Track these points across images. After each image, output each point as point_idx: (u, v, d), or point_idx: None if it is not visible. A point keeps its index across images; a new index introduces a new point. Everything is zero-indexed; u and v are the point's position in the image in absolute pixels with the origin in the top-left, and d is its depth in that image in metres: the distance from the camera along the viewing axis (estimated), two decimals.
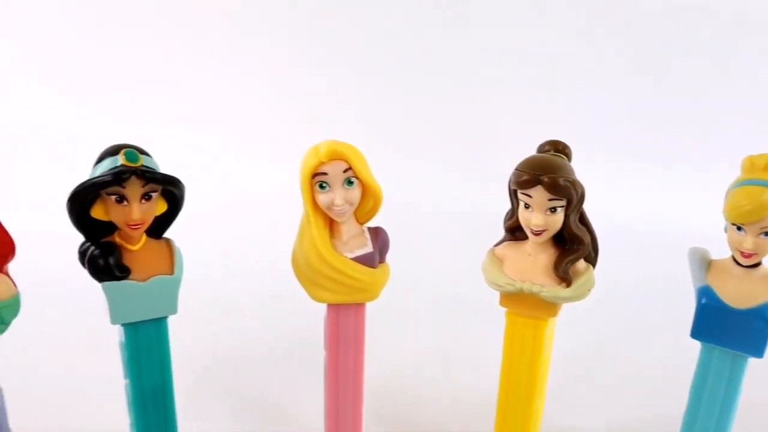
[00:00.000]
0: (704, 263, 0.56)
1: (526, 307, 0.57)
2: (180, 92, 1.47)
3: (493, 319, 0.93)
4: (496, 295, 0.59)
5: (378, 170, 0.58)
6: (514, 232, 0.59)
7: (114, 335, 0.67)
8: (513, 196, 0.57)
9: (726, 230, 0.53)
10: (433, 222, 1.23)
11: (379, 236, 0.60)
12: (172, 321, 0.58)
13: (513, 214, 0.58)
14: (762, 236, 0.51)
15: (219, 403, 0.76)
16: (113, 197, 0.51)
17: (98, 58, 1.46)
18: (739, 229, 0.51)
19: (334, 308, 0.59)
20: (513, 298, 0.57)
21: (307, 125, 1.40)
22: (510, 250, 0.59)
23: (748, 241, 0.51)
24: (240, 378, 0.81)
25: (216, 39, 1.48)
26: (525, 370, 0.59)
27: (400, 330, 0.82)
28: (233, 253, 1.02)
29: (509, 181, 0.57)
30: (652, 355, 0.88)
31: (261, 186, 1.28)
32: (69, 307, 0.88)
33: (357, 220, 0.59)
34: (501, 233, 0.61)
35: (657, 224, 1.30)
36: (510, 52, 1.48)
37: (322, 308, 0.62)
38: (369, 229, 0.60)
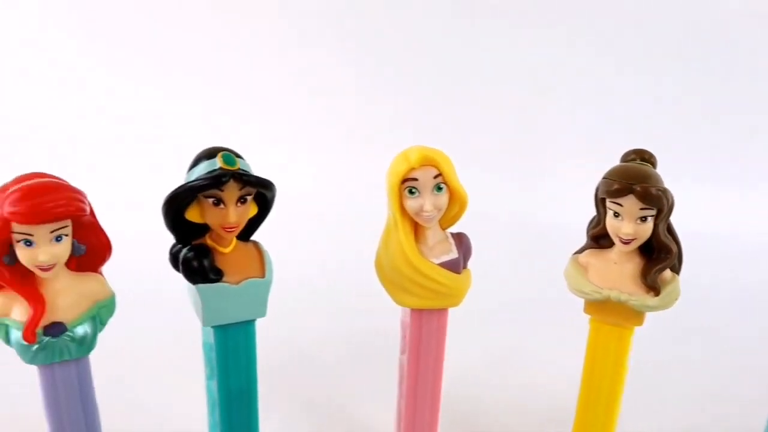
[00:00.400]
0: None
1: (611, 315, 0.58)
2: (242, 92, 1.48)
3: (558, 323, 0.94)
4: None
5: None
6: (599, 240, 0.59)
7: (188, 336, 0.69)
8: (600, 204, 0.57)
9: None
10: (492, 226, 1.23)
11: (462, 242, 0.60)
12: None
13: (599, 222, 0.58)
14: None
15: (287, 404, 0.77)
16: (210, 200, 0.51)
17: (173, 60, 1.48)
18: None
19: (418, 313, 0.59)
20: (599, 306, 0.58)
21: (372, 129, 1.43)
22: (594, 257, 0.59)
23: None
24: (306, 380, 0.82)
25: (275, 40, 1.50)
26: (608, 378, 0.59)
27: (466, 333, 0.83)
28: (302, 255, 1.02)
29: (597, 190, 0.57)
30: (723, 361, 0.88)
31: (331, 187, 1.29)
32: (149, 308, 0.88)
33: (440, 225, 0.60)
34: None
35: (727, 229, 1.30)
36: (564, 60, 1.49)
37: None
38: (452, 234, 0.60)
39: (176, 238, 0.55)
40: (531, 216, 1.30)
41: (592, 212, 0.60)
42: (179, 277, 0.55)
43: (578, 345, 0.67)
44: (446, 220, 0.60)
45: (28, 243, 0.46)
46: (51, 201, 0.45)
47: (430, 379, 0.62)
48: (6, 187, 0.47)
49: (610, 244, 0.58)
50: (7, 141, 1.37)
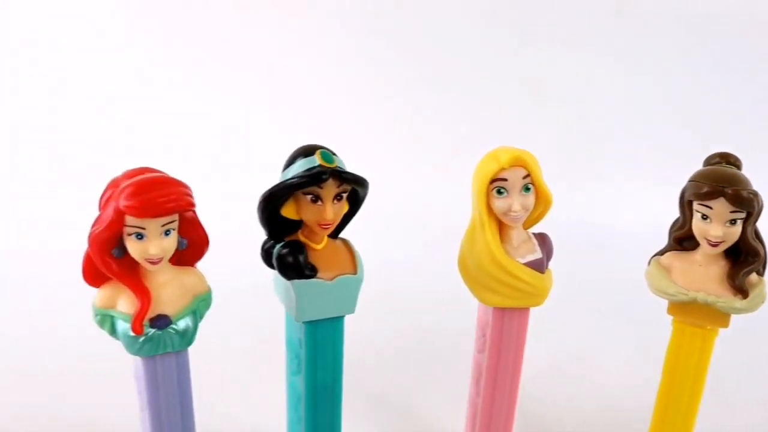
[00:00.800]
0: None
1: (696, 316, 0.58)
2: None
3: (629, 323, 0.94)
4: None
5: None
6: (682, 242, 0.60)
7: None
8: (686, 207, 0.58)
9: None
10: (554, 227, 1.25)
11: (545, 242, 0.61)
12: None
13: (684, 224, 0.59)
14: None
15: (362, 402, 0.78)
16: (309, 197, 0.52)
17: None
18: None
19: (501, 312, 0.60)
20: (683, 308, 0.58)
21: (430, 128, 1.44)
22: (677, 259, 0.60)
23: None
24: (377, 377, 0.83)
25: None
26: (690, 378, 0.59)
27: (538, 333, 0.84)
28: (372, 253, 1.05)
29: (683, 192, 0.58)
30: None
31: (402, 188, 1.31)
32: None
33: (522, 225, 0.60)
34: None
35: None
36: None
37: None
38: (534, 234, 0.61)
39: (269, 235, 0.56)
40: (588, 218, 1.31)
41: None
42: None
43: (649, 345, 0.68)
44: (529, 221, 0.60)
45: (140, 236, 0.47)
46: (164, 196, 0.46)
47: (509, 377, 0.63)
48: (117, 181, 0.48)
49: (694, 246, 0.59)
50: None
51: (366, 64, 1.48)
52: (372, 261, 0.59)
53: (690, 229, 0.58)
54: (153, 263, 0.48)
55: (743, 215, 0.55)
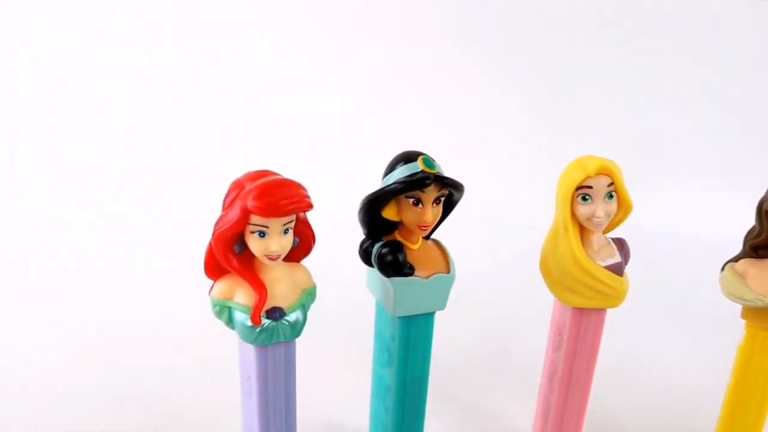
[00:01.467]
0: None
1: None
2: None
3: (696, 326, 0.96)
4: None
5: None
6: (758, 250, 0.63)
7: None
8: (765, 216, 0.61)
9: None
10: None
11: (624, 246, 0.64)
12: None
13: (760, 233, 0.62)
14: None
15: (441, 397, 0.80)
16: (411, 200, 0.56)
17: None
18: None
19: (579, 312, 0.64)
20: (758, 313, 0.61)
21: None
22: (753, 266, 0.63)
23: None
24: (452, 377, 0.86)
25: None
26: (761, 383, 0.63)
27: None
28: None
29: (761, 202, 0.61)
30: None
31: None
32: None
33: (603, 230, 0.64)
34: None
35: None
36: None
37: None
38: (613, 239, 0.65)
39: (368, 234, 0.60)
40: (654, 223, 1.34)
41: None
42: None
43: (714, 349, 0.72)
44: (609, 226, 0.64)
45: (262, 234, 0.51)
46: (287, 197, 0.50)
47: (583, 374, 0.66)
48: (241, 183, 0.52)
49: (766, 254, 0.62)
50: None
51: (455, 63, 1.52)
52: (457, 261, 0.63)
53: (767, 238, 0.61)
54: (272, 259, 0.52)
55: None
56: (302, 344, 0.59)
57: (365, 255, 0.60)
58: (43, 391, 0.78)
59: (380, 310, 0.63)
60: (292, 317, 0.55)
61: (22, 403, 0.76)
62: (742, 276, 0.63)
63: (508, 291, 1.03)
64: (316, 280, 0.58)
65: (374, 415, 0.68)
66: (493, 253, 1.10)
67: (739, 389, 0.64)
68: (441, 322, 0.64)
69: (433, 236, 0.63)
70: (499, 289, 1.06)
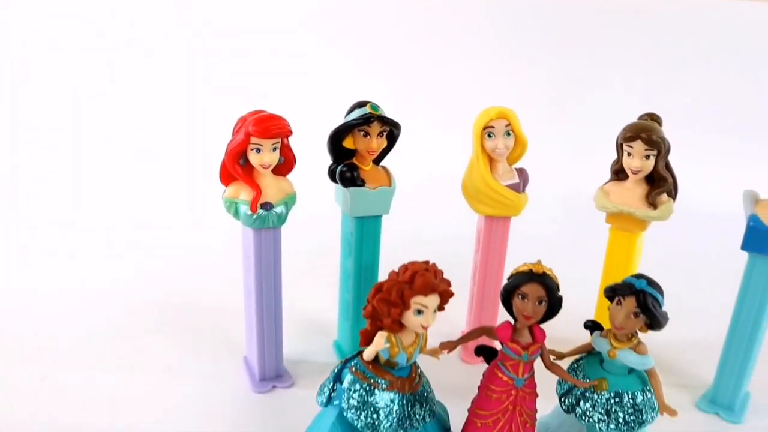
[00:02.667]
0: (753, 200, 0.83)
1: (624, 223, 0.86)
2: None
3: None
4: None
5: None
6: (618, 174, 0.87)
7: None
8: (619, 148, 0.85)
9: None
10: None
11: (523, 174, 0.89)
12: None
13: (618, 161, 0.86)
14: None
15: None
16: (362, 133, 0.82)
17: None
18: None
19: (490, 220, 0.89)
20: (616, 217, 0.86)
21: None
22: (614, 186, 0.87)
23: None
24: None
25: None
26: (622, 269, 0.87)
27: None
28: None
29: (617, 138, 0.85)
30: None
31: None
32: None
33: (507, 161, 0.89)
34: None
35: None
36: None
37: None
38: (516, 168, 0.90)
39: (333, 160, 0.86)
40: None
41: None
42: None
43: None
44: (512, 159, 0.89)
45: (258, 150, 0.77)
46: (275, 125, 0.77)
47: (495, 270, 0.91)
48: (244, 117, 0.79)
49: (626, 177, 0.86)
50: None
51: None
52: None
53: (622, 164, 0.85)
54: (264, 167, 0.78)
55: (655, 152, 0.82)
56: (289, 249, 0.86)
57: (332, 174, 0.86)
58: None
59: (344, 216, 0.89)
60: (278, 210, 0.81)
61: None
62: (606, 193, 0.87)
63: (448, 212, 1.22)
64: (304, 199, 0.85)
65: (341, 298, 0.94)
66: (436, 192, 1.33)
67: (607, 276, 0.88)
68: (388, 225, 0.89)
69: (382, 163, 0.89)
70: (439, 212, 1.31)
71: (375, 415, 0.65)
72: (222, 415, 0.83)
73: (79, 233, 1.37)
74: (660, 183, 0.83)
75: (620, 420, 0.66)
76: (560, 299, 0.65)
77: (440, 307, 0.66)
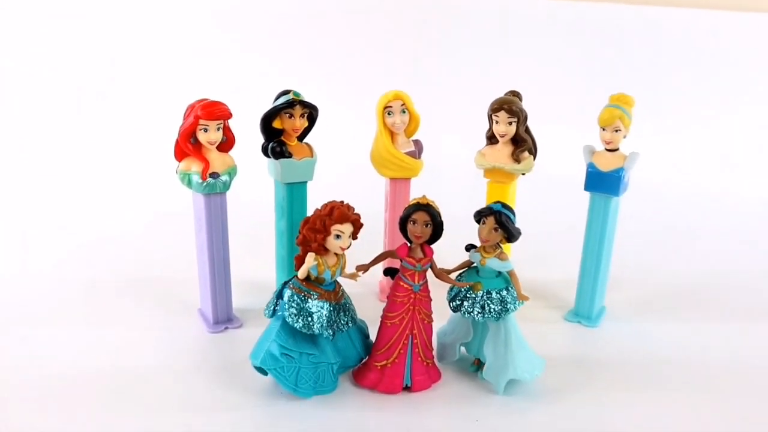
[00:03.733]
0: (591, 152, 1.09)
1: (497, 176, 1.11)
2: None
3: None
4: None
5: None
6: (491, 139, 1.12)
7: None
8: (489, 118, 1.10)
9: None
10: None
11: (418, 144, 1.13)
12: None
13: (490, 129, 1.11)
14: (614, 133, 1.04)
15: None
16: (287, 115, 1.04)
17: None
18: (603, 129, 1.05)
19: (393, 182, 1.12)
20: (491, 172, 1.11)
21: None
22: (488, 149, 1.12)
23: (606, 135, 1.04)
24: None
25: None
26: None
27: None
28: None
29: (487, 110, 1.10)
30: None
31: None
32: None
33: (406, 134, 1.13)
34: None
35: None
36: None
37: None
38: (413, 140, 1.13)
39: (265, 138, 1.07)
40: None
41: None
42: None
43: None
44: (408, 132, 1.13)
45: (205, 130, 0.98)
46: (218, 109, 0.97)
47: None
48: (192, 105, 0.99)
49: (496, 141, 1.11)
50: None
51: None
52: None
53: (493, 131, 1.10)
54: (211, 144, 0.99)
55: (516, 120, 1.07)
56: (233, 214, 1.06)
57: (264, 150, 1.07)
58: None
59: (277, 184, 1.10)
60: (223, 178, 1.01)
61: None
62: (483, 155, 1.12)
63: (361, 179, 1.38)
64: (244, 172, 1.06)
65: (277, 254, 1.15)
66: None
67: None
68: (313, 190, 1.11)
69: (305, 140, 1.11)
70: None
71: (309, 318, 0.87)
72: (185, 351, 1.02)
73: (37, 199, 1.55)
74: (521, 144, 1.09)
75: (492, 311, 0.90)
76: (441, 223, 0.88)
77: (354, 235, 0.88)
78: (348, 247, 0.87)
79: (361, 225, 0.89)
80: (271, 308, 0.90)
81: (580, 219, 1.14)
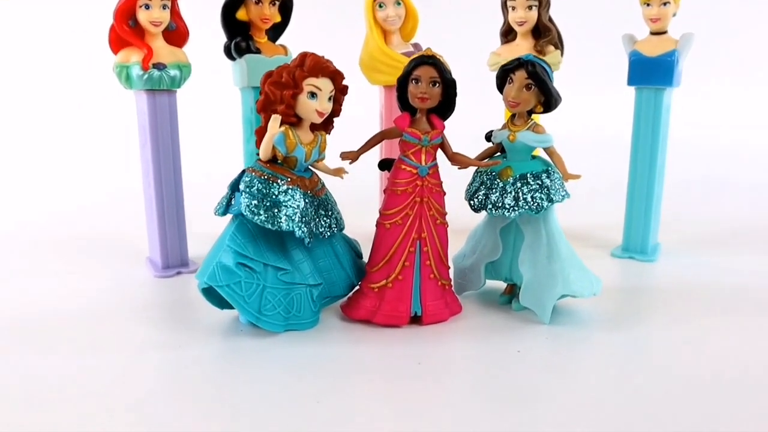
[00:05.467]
0: (631, 41, 0.85)
1: None
2: None
3: None
4: None
5: None
6: (507, 35, 0.89)
7: None
8: (504, 8, 0.87)
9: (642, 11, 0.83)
10: None
11: (418, 47, 0.89)
12: None
13: (505, 22, 0.88)
14: (661, 7, 0.80)
15: None
16: (253, 1, 0.81)
17: None
18: (648, 5, 0.81)
19: (389, 90, 0.87)
20: None
21: None
22: (504, 48, 0.88)
23: (652, 11, 0.81)
24: None
25: None
26: None
27: None
28: None
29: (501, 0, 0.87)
30: None
31: None
32: None
33: (402, 36, 0.89)
34: None
35: None
36: None
37: None
38: (412, 44, 0.90)
39: (228, 35, 0.83)
40: None
41: None
42: None
43: None
44: (405, 34, 0.89)
45: (147, 6, 0.74)
46: None
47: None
48: None
49: (513, 37, 0.88)
50: None
51: None
52: None
53: (509, 23, 0.87)
54: (155, 25, 0.75)
55: (536, 3, 0.84)
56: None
57: (227, 50, 0.83)
58: None
59: (243, 94, 0.85)
60: (172, 72, 0.77)
61: None
62: (498, 54, 0.88)
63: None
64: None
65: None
66: None
67: None
68: None
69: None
70: None
71: (276, 210, 0.60)
72: (131, 299, 0.74)
73: None
74: (545, 33, 0.85)
75: (528, 200, 0.63)
76: (453, 81, 0.63)
77: (338, 99, 0.63)
78: (327, 113, 0.62)
79: (346, 87, 0.63)
80: (224, 203, 0.63)
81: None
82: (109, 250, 0.92)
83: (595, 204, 1.11)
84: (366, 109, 0.96)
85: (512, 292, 0.70)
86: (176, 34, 0.79)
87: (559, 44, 0.86)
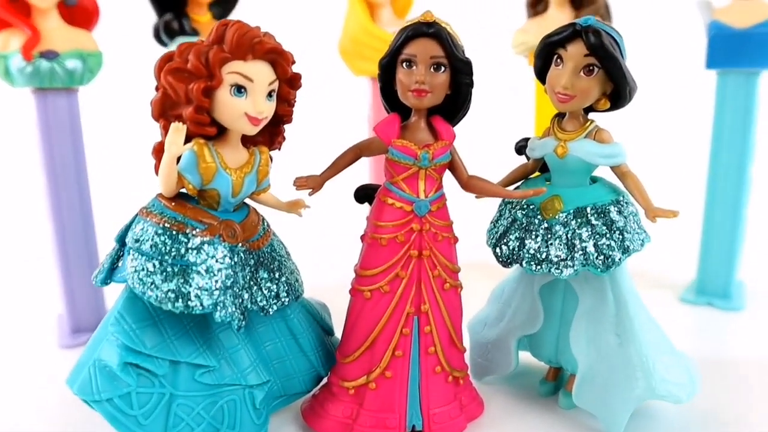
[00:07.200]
0: (710, 8, 0.60)
1: None
2: None
3: None
4: None
5: None
6: (536, 5, 0.63)
7: None
8: None
9: None
10: None
11: None
12: None
13: None
14: None
15: None
16: None
17: None
18: None
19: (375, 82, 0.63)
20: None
21: None
22: (532, 23, 0.63)
23: None
24: None
25: None
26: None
27: None
28: None
29: None
30: None
31: None
32: None
33: (395, 12, 0.64)
34: None
35: None
36: None
37: None
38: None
39: (158, 11, 0.59)
40: None
41: None
42: None
43: None
44: (399, 10, 0.64)
45: None
46: None
47: None
48: None
49: (544, 8, 0.62)
50: None
51: None
52: None
53: None
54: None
55: None
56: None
57: (156, 32, 0.59)
58: None
59: None
60: (69, 64, 0.52)
61: None
62: (525, 31, 0.63)
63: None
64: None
65: None
66: None
67: (540, 117, 0.64)
68: None
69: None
70: None
71: (183, 279, 0.35)
72: (32, 374, 0.50)
73: None
74: (589, 3, 0.60)
75: (590, 250, 0.38)
76: (468, 63, 0.38)
77: (285, 94, 0.38)
78: (264, 118, 0.37)
79: (297, 77, 0.39)
80: (107, 268, 0.38)
81: None
82: (10, 302, 0.67)
83: (653, 228, 0.85)
84: (349, 110, 0.71)
85: (558, 377, 0.46)
86: (79, 11, 0.55)
87: (607, 15, 0.61)
